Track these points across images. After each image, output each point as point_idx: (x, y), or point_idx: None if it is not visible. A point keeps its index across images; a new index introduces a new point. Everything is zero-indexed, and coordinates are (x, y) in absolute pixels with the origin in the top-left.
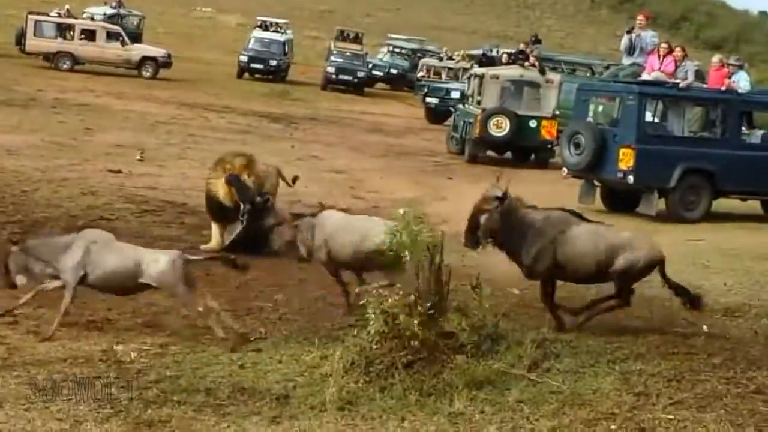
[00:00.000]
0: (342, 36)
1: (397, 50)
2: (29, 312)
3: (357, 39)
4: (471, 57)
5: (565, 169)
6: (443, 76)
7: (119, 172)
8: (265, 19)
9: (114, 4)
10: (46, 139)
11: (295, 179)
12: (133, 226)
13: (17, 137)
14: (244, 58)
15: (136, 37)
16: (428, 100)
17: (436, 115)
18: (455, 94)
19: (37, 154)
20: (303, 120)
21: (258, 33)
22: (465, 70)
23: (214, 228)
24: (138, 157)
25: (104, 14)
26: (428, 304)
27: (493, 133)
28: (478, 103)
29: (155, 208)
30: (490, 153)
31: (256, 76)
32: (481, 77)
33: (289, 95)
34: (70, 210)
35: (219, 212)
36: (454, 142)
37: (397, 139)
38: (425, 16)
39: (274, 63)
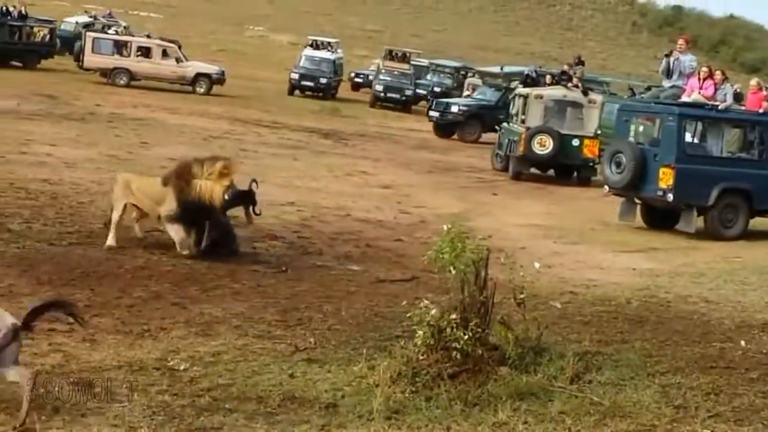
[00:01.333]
0: (390, 55)
1: (440, 69)
2: (85, 320)
3: (405, 58)
4: (483, 74)
5: (606, 187)
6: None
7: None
8: (316, 38)
9: (92, 13)
10: (103, 153)
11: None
12: None
13: (75, 150)
14: (295, 76)
15: None
16: (431, 114)
17: (441, 129)
18: (454, 108)
19: (94, 166)
20: (352, 136)
21: (309, 51)
22: (509, 89)
23: (180, 230)
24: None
25: (76, 22)
26: (474, 318)
27: (537, 151)
28: (523, 122)
29: None
30: (533, 170)
31: (307, 93)
32: (526, 97)
33: (339, 112)
34: (124, 221)
35: (197, 214)
36: (498, 160)
37: (443, 155)
38: (471, 36)
39: (324, 81)
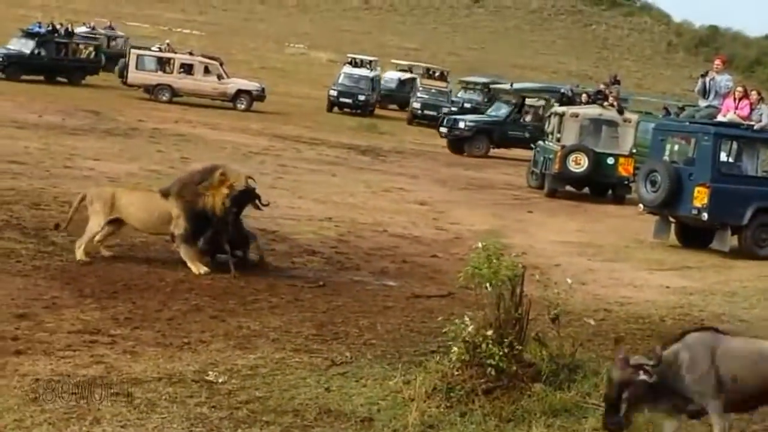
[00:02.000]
0: (428, 73)
1: (470, 86)
2: (126, 332)
3: (442, 77)
4: (497, 90)
5: (641, 206)
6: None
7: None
8: (355, 56)
9: (91, 24)
10: (145, 167)
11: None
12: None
13: (118, 165)
14: (333, 93)
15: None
16: (441, 129)
17: (452, 144)
18: (461, 125)
19: (136, 181)
20: (389, 153)
21: (347, 69)
22: (545, 107)
23: (193, 251)
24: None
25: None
26: (509, 334)
27: (572, 169)
28: (558, 140)
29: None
30: (568, 188)
31: (345, 110)
32: (561, 115)
33: (376, 129)
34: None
35: (206, 228)
36: (533, 177)
37: (478, 172)
38: (508, 55)
39: (362, 98)
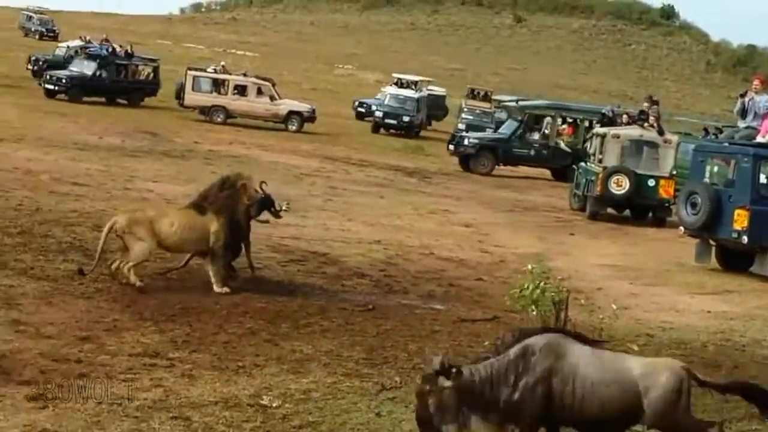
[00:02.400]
0: (472, 94)
1: (503, 106)
2: (184, 356)
3: (486, 97)
4: (507, 108)
5: (681, 228)
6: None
7: (267, 222)
8: (401, 76)
9: (87, 38)
10: (200, 189)
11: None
12: (279, 275)
13: (175, 187)
14: (379, 114)
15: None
16: (450, 147)
17: (461, 161)
18: (467, 141)
19: None
20: (436, 174)
21: (393, 90)
22: (587, 129)
23: (222, 266)
24: (284, 208)
25: (67, 47)
26: None
27: (613, 191)
28: (600, 161)
29: (299, 258)
30: (610, 210)
31: (391, 131)
32: (603, 136)
33: (423, 151)
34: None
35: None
36: (576, 199)
37: (523, 194)
38: (549, 75)
39: (406, 119)
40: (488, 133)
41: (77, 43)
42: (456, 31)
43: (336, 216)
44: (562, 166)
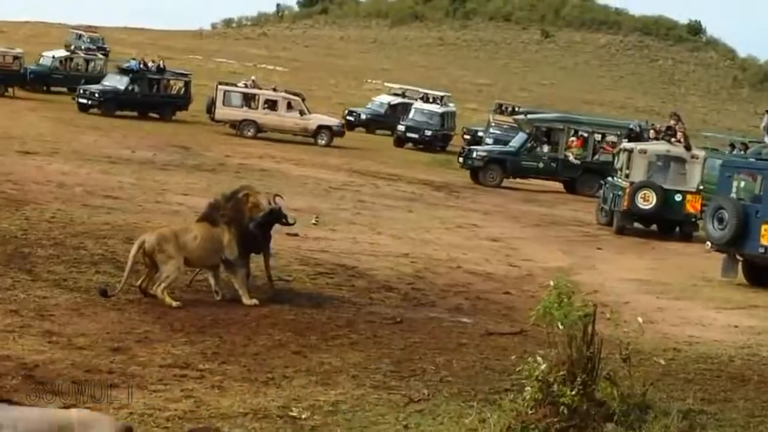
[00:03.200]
0: (500, 109)
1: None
2: (214, 367)
3: (514, 113)
4: (518, 121)
5: (708, 243)
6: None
7: (296, 235)
8: (427, 91)
9: (72, 47)
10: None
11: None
12: (308, 288)
13: (206, 200)
14: (401, 128)
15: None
16: (460, 159)
17: (471, 174)
18: (475, 155)
19: None
20: (463, 189)
21: (418, 105)
22: (614, 143)
23: (245, 276)
24: (313, 221)
25: (53, 57)
26: (581, 373)
27: (640, 206)
28: (627, 176)
29: (328, 271)
30: (636, 225)
31: (409, 145)
32: (630, 152)
33: (451, 164)
34: (251, 270)
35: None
36: (602, 214)
37: (550, 209)
38: (577, 90)
39: (428, 133)
40: (496, 147)
41: (62, 53)
42: (484, 46)
43: (365, 229)
44: (571, 178)
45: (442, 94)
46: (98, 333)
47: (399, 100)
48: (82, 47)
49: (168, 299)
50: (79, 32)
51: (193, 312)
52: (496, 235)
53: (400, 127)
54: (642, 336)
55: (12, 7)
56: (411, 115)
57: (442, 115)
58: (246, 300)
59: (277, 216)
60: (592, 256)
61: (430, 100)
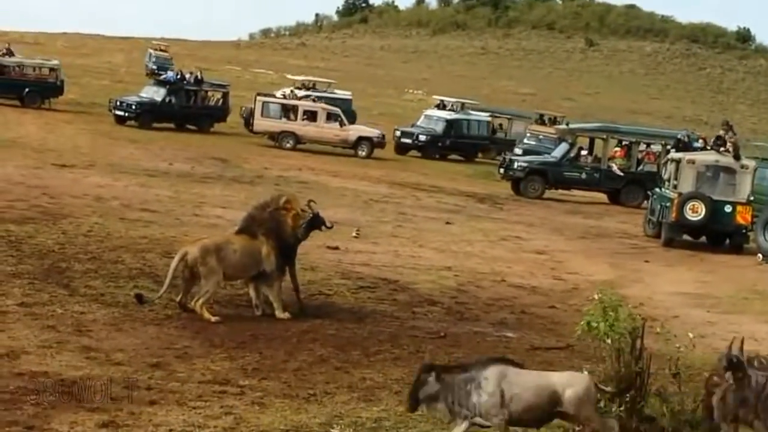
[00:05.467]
0: (541, 119)
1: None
2: (254, 383)
3: (555, 123)
4: (561, 130)
5: (760, 255)
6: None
7: (336, 248)
8: (442, 98)
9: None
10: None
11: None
12: (349, 302)
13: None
14: (397, 134)
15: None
16: (500, 171)
17: (512, 185)
18: (516, 165)
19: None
20: (507, 200)
21: (429, 111)
22: (659, 153)
23: (280, 289)
24: (354, 234)
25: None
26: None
27: (689, 218)
28: (675, 187)
29: (369, 285)
30: (685, 237)
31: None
32: (678, 162)
33: (494, 176)
34: (290, 284)
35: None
36: (650, 225)
37: (596, 220)
38: (622, 99)
39: (423, 138)
40: (538, 157)
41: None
42: (527, 55)
43: (406, 242)
44: (615, 189)
45: (464, 101)
46: (137, 348)
47: (454, 115)
48: (148, 67)
49: (207, 314)
50: (150, 50)
51: (233, 327)
52: (540, 247)
53: (397, 132)
54: (692, 351)
55: (48, 18)
56: (419, 122)
57: (450, 122)
58: (280, 314)
59: (319, 221)
60: (640, 269)
61: (447, 107)
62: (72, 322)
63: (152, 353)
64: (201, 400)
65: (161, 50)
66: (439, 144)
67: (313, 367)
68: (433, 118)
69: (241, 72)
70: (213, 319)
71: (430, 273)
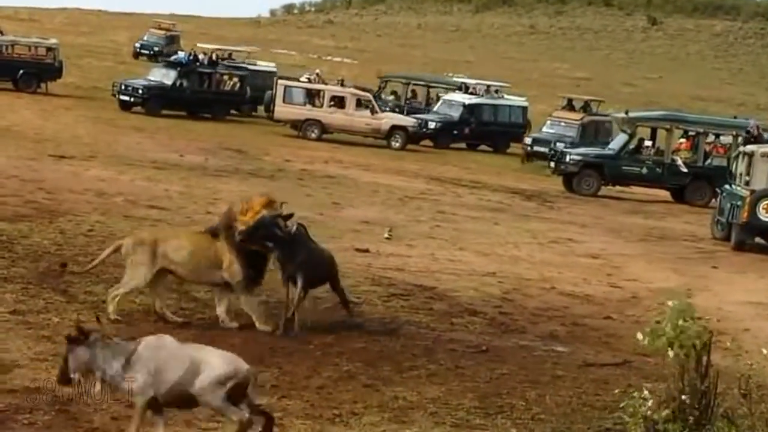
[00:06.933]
0: (569, 105)
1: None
2: (273, 402)
3: (587, 109)
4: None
5: None
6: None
7: (366, 251)
8: (466, 81)
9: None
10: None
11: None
12: (380, 311)
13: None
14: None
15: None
16: (551, 164)
17: (564, 181)
18: (568, 159)
19: None
20: (557, 198)
21: (449, 96)
22: (729, 146)
23: (257, 301)
24: (386, 236)
25: None
26: (694, 410)
27: (763, 218)
28: (746, 183)
29: (403, 292)
30: (758, 240)
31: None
32: (751, 156)
33: (543, 171)
34: (314, 291)
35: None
36: (719, 227)
37: (658, 221)
38: (688, 85)
39: (432, 125)
40: (592, 149)
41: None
42: (582, 35)
43: (445, 245)
44: (679, 185)
45: (495, 84)
46: None
47: (475, 99)
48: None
49: (111, 307)
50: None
51: (250, 339)
52: (595, 251)
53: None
54: (765, 368)
55: None
56: (436, 107)
57: (469, 107)
58: (259, 325)
59: (266, 227)
60: (707, 276)
61: (470, 90)
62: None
63: None
64: (213, 420)
65: (160, 28)
66: (455, 132)
67: (338, 385)
68: (450, 103)
69: (260, 53)
70: (112, 316)
71: (471, 279)
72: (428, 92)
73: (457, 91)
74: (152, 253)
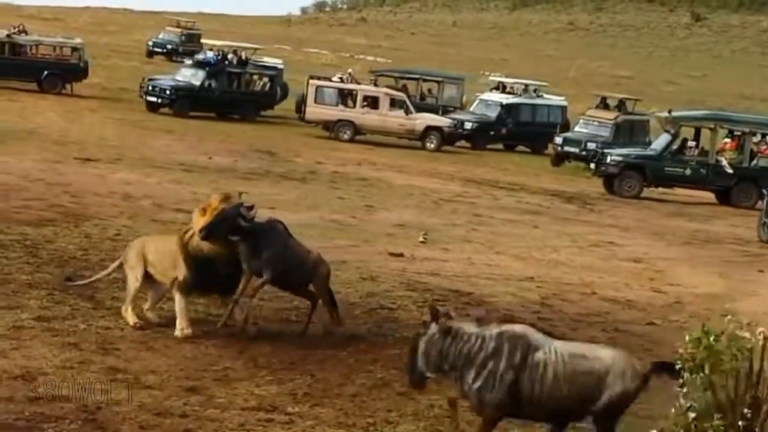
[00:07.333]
0: (603, 103)
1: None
2: (305, 410)
3: (622, 107)
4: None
5: None
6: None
7: (401, 255)
8: (502, 79)
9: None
10: (325, 217)
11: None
12: (415, 317)
13: (295, 215)
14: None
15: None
16: (592, 165)
17: (606, 183)
18: (609, 159)
19: (316, 233)
20: (598, 200)
21: (485, 95)
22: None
23: (186, 304)
24: (421, 239)
25: None
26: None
27: None
28: None
29: (439, 297)
30: None
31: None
32: None
33: (583, 172)
34: (348, 296)
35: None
36: (765, 230)
37: (703, 224)
38: (734, 83)
39: (469, 126)
40: (634, 150)
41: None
42: (623, 32)
43: (482, 249)
44: (725, 187)
45: (528, 83)
46: (170, 370)
47: (512, 99)
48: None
49: (128, 316)
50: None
51: (280, 346)
52: (638, 255)
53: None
54: None
55: None
56: (472, 107)
57: (507, 107)
58: (178, 327)
59: (227, 219)
60: (754, 280)
61: (507, 89)
62: (96, 339)
63: (188, 375)
64: (243, 429)
65: (178, 26)
66: (492, 132)
67: (372, 393)
68: (487, 103)
69: (291, 52)
70: (131, 322)
71: (508, 284)
72: (420, 86)
73: (457, 85)
74: (140, 256)
